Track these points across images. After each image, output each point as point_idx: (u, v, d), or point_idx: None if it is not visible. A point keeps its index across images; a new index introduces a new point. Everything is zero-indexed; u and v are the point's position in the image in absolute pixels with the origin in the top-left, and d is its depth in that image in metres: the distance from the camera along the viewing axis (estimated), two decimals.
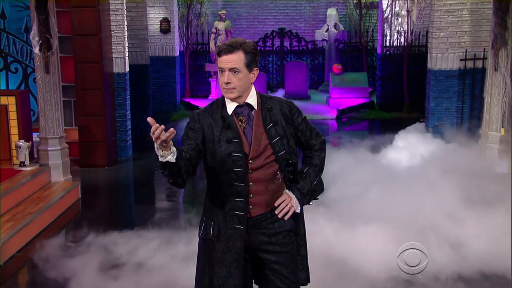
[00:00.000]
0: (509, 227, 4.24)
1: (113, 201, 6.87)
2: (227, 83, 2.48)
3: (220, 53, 2.48)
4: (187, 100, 12.20)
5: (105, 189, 7.18)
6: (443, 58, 8.39)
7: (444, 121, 8.48)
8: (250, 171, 2.55)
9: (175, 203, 6.50)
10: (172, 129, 2.25)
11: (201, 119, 2.56)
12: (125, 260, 4.57)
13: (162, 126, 2.23)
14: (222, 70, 2.49)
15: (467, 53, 8.31)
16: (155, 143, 2.26)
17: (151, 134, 2.23)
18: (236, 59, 2.47)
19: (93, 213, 6.06)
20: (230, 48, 2.47)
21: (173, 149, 2.30)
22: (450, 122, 8.44)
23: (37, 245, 4.89)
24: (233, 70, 2.47)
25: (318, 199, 2.73)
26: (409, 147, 7.06)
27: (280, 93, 12.56)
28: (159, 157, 2.30)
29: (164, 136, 2.22)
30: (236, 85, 2.49)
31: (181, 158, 2.38)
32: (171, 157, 2.30)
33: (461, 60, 8.33)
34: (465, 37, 8.31)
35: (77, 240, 5.05)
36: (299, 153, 2.71)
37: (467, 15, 8.26)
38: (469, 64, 8.34)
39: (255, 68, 2.54)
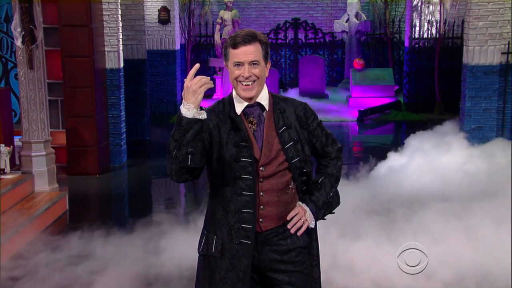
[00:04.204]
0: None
1: (105, 213, 6.87)
2: (248, 77, 2.49)
3: (236, 44, 2.48)
4: None
5: (96, 199, 7.20)
6: (481, 52, 8.32)
7: (482, 124, 8.41)
8: (261, 179, 2.55)
9: (175, 216, 6.46)
10: (208, 78, 2.36)
11: (208, 119, 2.56)
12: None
13: (197, 65, 2.35)
14: (240, 64, 2.49)
15: (510, 45, 8.24)
16: (188, 92, 2.33)
17: (189, 80, 2.32)
18: (255, 50, 2.49)
19: (82, 226, 6.05)
20: (248, 38, 2.48)
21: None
22: (489, 125, 8.38)
23: (20, 261, 4.89)
24: (253, 62, 2.49)
25: (334, 213, 2.74)
26: (435, 159, 6.89)
27: (294, 92, 12.54)
28: (187, 110, 2.35)
29: (206, 79, 2.33)
30: (256, 80, 2.51)
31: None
32: (203, 114, 2.39)
33: (502, 53, 8.27)
34: (508, 27, 8.24)
35: (64, 257, 5.04)
36: (314, 161, 2.72)
37: (510, 1, 8.18)
38: None
39: (268, 61, 2.58)
